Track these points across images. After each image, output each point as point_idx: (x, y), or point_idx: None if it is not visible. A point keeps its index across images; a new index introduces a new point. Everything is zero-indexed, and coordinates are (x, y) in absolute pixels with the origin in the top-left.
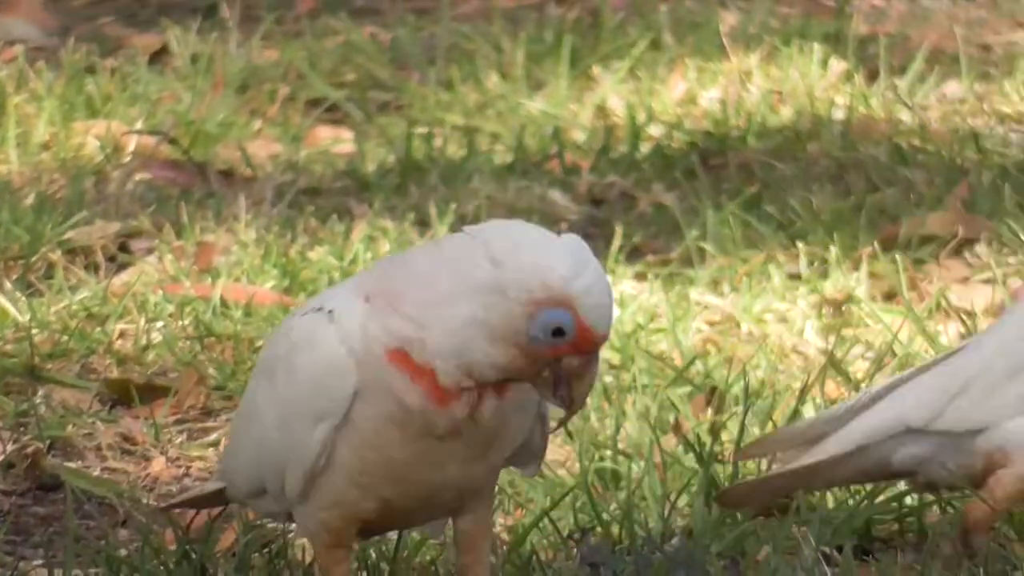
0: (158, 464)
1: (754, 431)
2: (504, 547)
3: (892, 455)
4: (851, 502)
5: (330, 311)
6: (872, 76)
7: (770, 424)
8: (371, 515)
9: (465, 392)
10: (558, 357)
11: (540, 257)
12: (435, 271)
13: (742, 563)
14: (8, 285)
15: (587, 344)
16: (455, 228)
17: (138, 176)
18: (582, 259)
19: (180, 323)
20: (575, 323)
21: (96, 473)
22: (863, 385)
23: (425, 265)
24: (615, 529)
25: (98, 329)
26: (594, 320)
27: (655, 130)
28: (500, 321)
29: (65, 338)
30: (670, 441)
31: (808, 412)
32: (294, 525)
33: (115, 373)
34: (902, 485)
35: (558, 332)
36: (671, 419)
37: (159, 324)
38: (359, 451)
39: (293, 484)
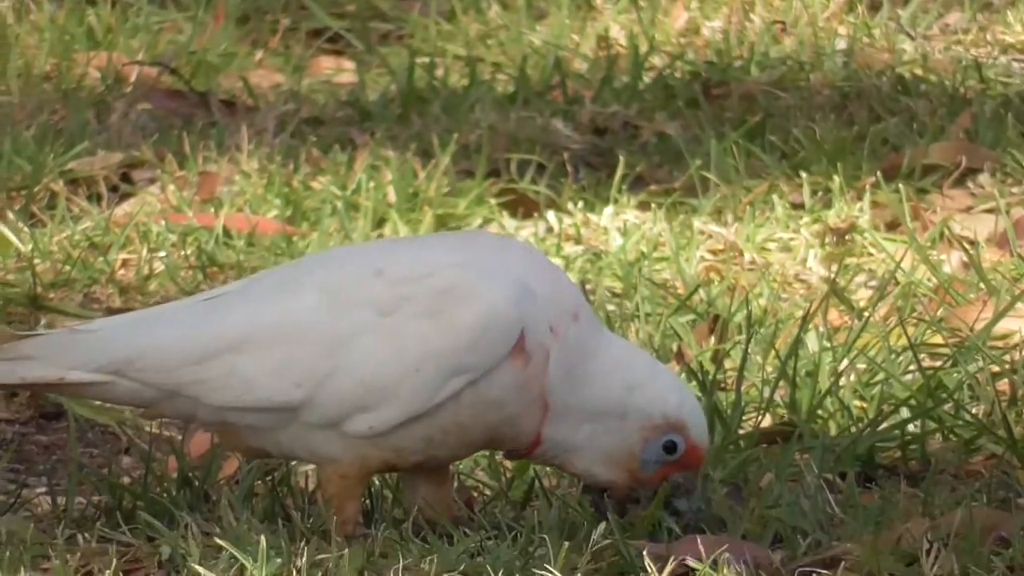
0: None
1: (757, 359)
2: (507, 475)
3: None
4: (854, 429)
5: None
6: (875, 6)
7: (772, 352)
8: (409, 465)
9: None
10: (662, 479)
11: (659, 387)
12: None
13: (745, 490)
14: (11, 216)
15: (696, 461)
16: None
17: (140, 107)
18: (685, 387)
19: (182, 253)
20: (685, 443)
21: (98, 402)
22: (865, 313)
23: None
24: None
25: (100, 259)
26: (700, 438)
27: (658, 60)
28: (618, 442)
29: (67, 268)
30: (674, 369)
31: (811, 340)
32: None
33: (117, 303)
34: (906, 412)
35: (670, 450)
36: (674, 347)
37: (161, 254)
38: (462, 411)
39: (386, 416)
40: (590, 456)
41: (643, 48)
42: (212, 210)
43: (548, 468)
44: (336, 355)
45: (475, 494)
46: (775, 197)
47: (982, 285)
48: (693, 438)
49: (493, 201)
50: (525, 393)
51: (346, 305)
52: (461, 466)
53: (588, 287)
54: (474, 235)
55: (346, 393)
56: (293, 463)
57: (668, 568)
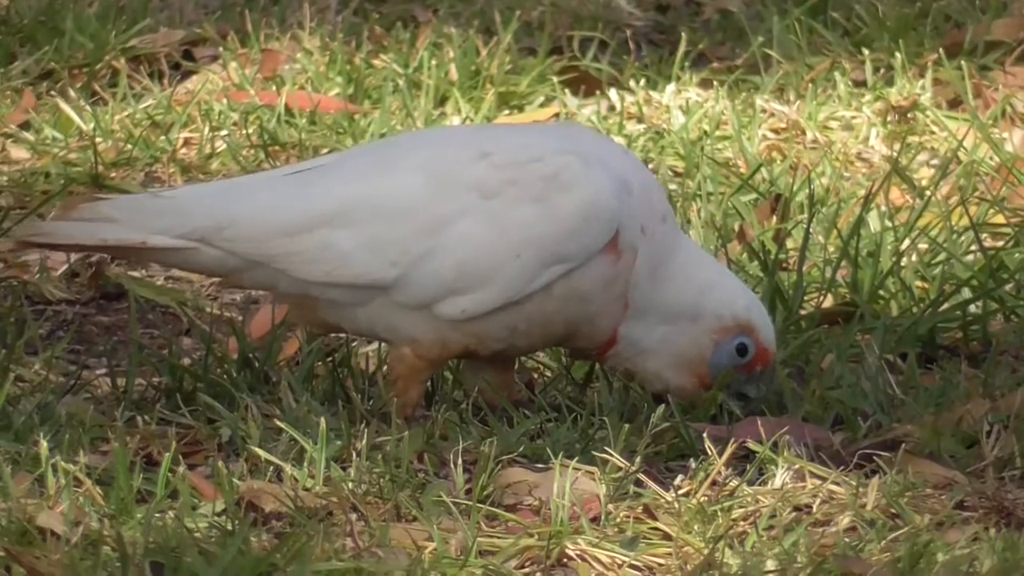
0: None
1: (819, 239)
2: (568, 356)
3: None
4: (915, 310)
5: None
6: None
7: (834, 232)
8: (488, 352)
9: None
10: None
11: (729, 290)
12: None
13: (807, 371)
14: (72, 94)
15: (766, 362)
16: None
17: None
18: (752, 292)
19: (244, 131)
20: (756, 346)
21: (160, 283)
22: (927, 192)
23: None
24: None
25: (162, 138)
26: (769, 339)
27: None
28: (689, 345)
29: (129, 147)
30: (735, 248)
31: (872, 220)
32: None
33: (180, 181)
34: (967, 292)
35: (741, 351)
36: (736, 227)
37: (223, 132)
38: (552, 302)
39: (481, 300)
40: (663, 359)
41: None
42: (274, 88)
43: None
44: (436, 235)
45: (536, 376)
46: (837, 75)
47: None
48: (763, 340)
49: (555, 79)
50: (611, 289)
51: (449, 186)
52: None
53: (651, 166)
54: (577, 128)
55: (443, 275)
56: (354, 343)
57: (728, 450)
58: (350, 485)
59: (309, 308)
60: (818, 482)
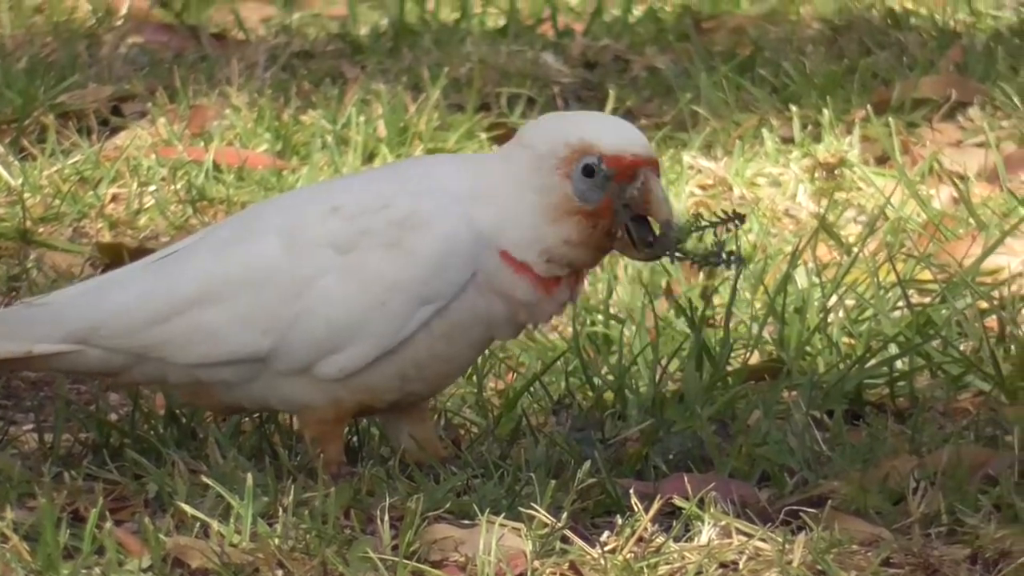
0: None
1: (746, 295)
2: (495, 411)
3: None
4: (842, 366)
5: (438, 196)
6: None
7: (761, 288)
8: (385, 405)
9: (564, 278)
10: (615, 207)
11: (553, 124)
12: (501, 177)
13: (732, 427)
14: (1, 149)
15: (626, 167)
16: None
17: (131, 40)
18: (585, 111)
19: (173, 187)
20: (602, 158)
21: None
22: (854, 249)
23: (496, 173)
24: (606, 394)
25: (90, 193)
26: (617, 145)
27: None
28: (549, 195)
29: (57, 202)
30: (662, 305)
31: (800, 276)
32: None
33: (107, 237)
34: (894, 348)
35: (588, 172)
36: (663, 283)
37: (152, 188)
38: (434, 343)
39: (357, 355)
40: (538, 216)
41: None
42: (202, 144)
43: (536, 406)
44: (300, 298)
45: (462, 431)
46: (765, 131)
47: (971, 220)
48: (606, 148)
49: (483, 135)
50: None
51: (305, 247)
52: (448, 403)
53: None
54: (425, 162)
55: (314, 336)
56: None
57: (655, 507)
58: (277, 541)
59: (205, 394)
60: (744, 539)
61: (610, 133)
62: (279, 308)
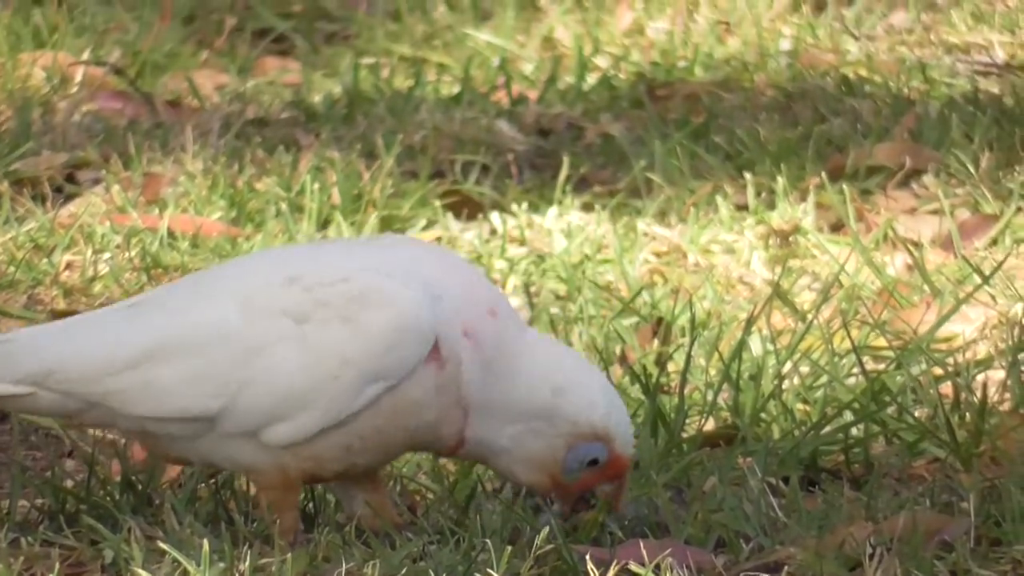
0: None
1: (700, 362)
2: (450, 478)
3: None
4: (797, 432)
5: (399, 276)
6: (819, 7)
7: (716, 355)
8: (331, 475)
9: None
10: (584, 487)
11: (587, 393)
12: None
13: (688, 494)
14: None
15: (620, 471)
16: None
17: (85, 107)
18: (613, 391)
19: (127, 254)
20: (609, 454)
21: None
22: (809, 316)
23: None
24: None
25: (45, 260)
26: (626, 448)
27: (602, 61)
28: (537, 441)
29: (12, 269)
30: (617, 372)
31: (754, 343)
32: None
33: (62, 304)
34: (849, 415)
35: (593, 463)
36: (618, 350)
37: (106, 255)
38: (381, 417)
39: (303, 425)
40: (513, 457)
41: (588, 49)
42: (157, 211)
43: (492, 473)
44: (252, 364)
45: (418, 498)
46: (719, 198)
47: (926, 287)
48: (618, 449)
49: (437, 203)
50: (445, 395)
51: (261, 313)
52: (404, 469)
53: (532, 289)
54: (387, 239)
55: (263, 403)
56: None
57: (611, 573)
58: None
59: (154, 443)
60: None
61: (625, 432)
62: (231, 371)
